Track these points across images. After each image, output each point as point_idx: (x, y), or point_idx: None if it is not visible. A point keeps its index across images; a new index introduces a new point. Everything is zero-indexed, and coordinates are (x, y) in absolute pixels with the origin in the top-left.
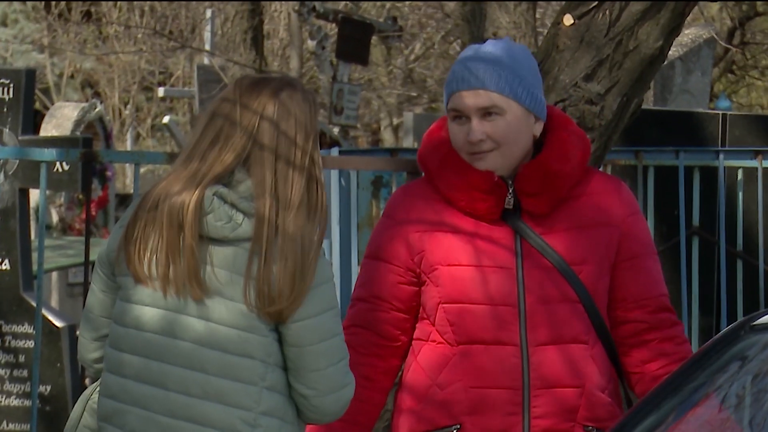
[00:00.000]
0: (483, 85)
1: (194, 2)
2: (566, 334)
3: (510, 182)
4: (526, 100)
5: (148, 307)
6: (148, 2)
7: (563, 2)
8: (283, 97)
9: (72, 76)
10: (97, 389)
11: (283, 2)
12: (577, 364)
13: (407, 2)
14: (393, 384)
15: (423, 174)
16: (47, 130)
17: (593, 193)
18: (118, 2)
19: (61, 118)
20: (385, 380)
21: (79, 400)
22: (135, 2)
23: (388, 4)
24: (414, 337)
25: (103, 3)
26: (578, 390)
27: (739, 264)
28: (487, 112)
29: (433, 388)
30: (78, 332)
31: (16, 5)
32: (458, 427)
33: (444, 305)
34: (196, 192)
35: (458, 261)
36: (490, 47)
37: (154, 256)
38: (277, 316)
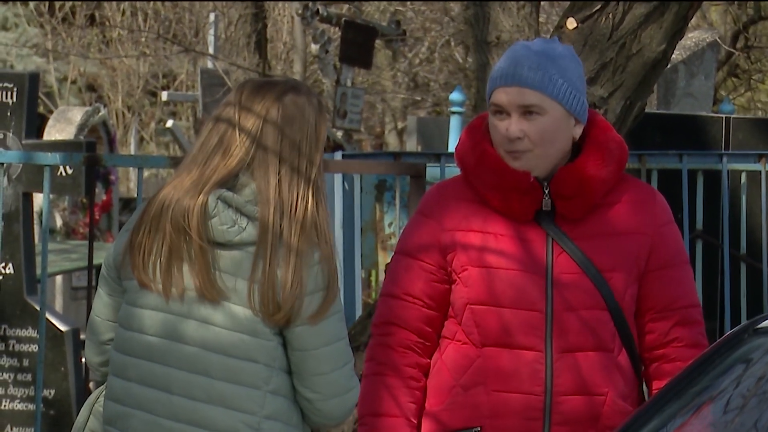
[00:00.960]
0: (526, 83)
1: (198, 6)
2: (592, 342)
3: (546, 184)
4: (569, 101)
5: (153, 311)
6: (151, 6)
7: (566, 6)
8: (287, 100)
9: (74, 82)
10: (103, 393)
11: (286, 6)
12: (601, 372)
13: (411, 6)
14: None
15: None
16: (51, 134)
17: (627, 201)
18: (122, 6)
19: (65, 122)
20: (422, 378)
21: (85, 404)
22: (139, 6)
23: (391, 8)
24: (441, 334)
25: (107, 7)
26: (601, 398)
27: (743, 267)
28: (527, 111)
29: (457, 389)
30: (82, 336)
31: (19, 9)
32: (479, 429)
33: (472, 306)
34: (201, 196)
35: (488, 262)
36: (538, 46)
37: (159, 261)
38: (283, 322)
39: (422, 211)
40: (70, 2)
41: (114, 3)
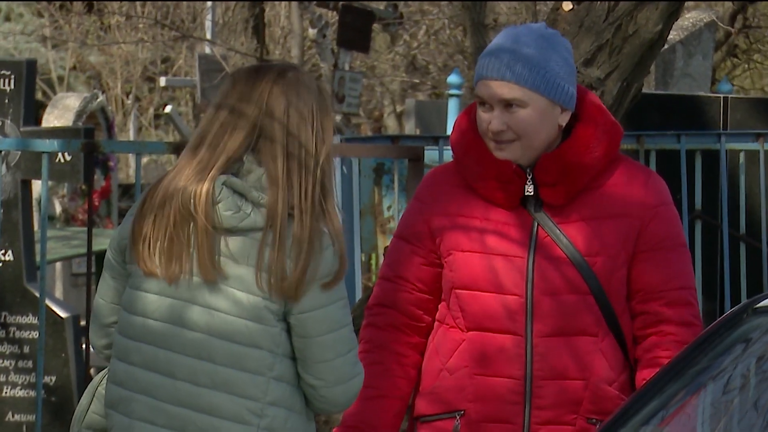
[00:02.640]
0: (505, 76)
1: None
2: (573, 326)
3: (528, 171)
4: (550, 92)
5: (157, 296)
6: None
7: None
8: (289, 77)
9: (74, 68)
10: (106, 377)
11: None
12: (583, 356)
13: None
14: (420, 361)
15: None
16: (49, 120)
17: (616, 184)
18: None
19: (63, 109)
20: (414, 355)
21: (87, 388)
22: None
23: None
24: (435, 318)
25: None
26: (583, 382)
27: (742, 247)
28: (508, 104)
29: (444, 372)
30: (82, 322)
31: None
32: (462, 413)
33: (456, 290)
34: (206, 182)
35: (471, 247)
36: (521, 35)
37: (163, 246)
38: (289, 296)
39: (417, 196)
40: None
41: None
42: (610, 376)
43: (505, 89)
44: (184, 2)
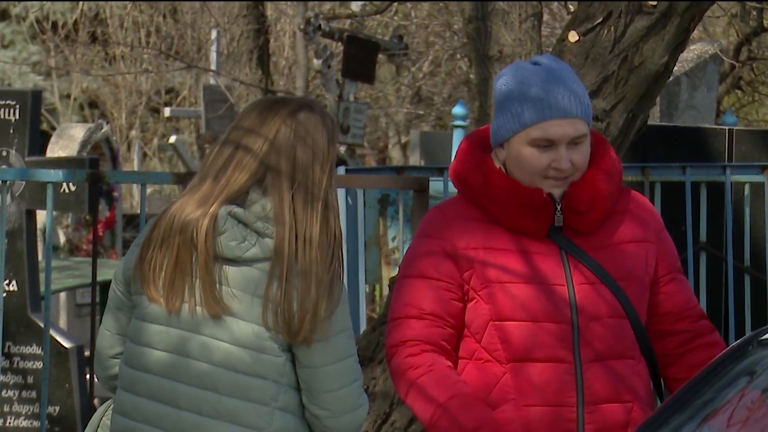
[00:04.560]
0: (572, 113)
1: (200, 22)
2: (616, 350)
3: (557, 200)
4: (590, 122)
5: (162, 326)
6: (153, 23)
7: (568, 19)
8: (301, 118)
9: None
10: (111, 407)
11: (288, 21)
12: (626, 379)
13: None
14: None
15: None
16: (54, 151)
17: (628, 211)
18: (125, 23)
19: (68, 139)
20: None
21: (91, 420)
22: (141, 22)
23: (394, 23)
24: (459, 355)
25: (110, 24)
26: (629, 405)
27: (747, 279)
28: (575, 141)
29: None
30: (86, 352)
31: (22, 27)
32: None
33: (495, 322)
34: (210, 212)
35: (509, 278)
36: (556, 70)
37: (167, 276)
38: (301, 341)
39: (428, 233)
40: (73, 20)
41: (116, 20)
42: (647, 399)
43: (575, 127)
44: (189, 33)
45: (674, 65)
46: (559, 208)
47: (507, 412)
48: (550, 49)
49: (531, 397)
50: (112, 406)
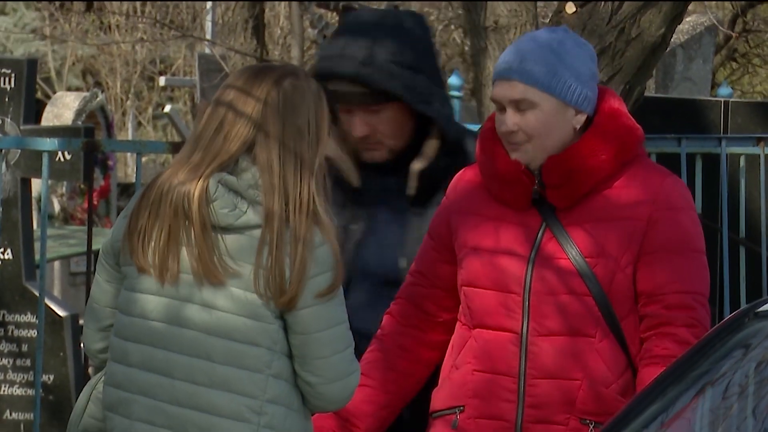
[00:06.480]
0: (516, 76)
1: None
2: (569, 327)
3: (537, 173)
4: (563, 93)
5: (153, 296)
6: None
7: None
8: (287, 85)
9: (73, 64)
10: (102, 378)
11: None
12: (578, 357)
13: None
14: (436, 359)
15: None
16: (48, 119)
17: (627, 186)
18: None
19: (63, 108)
20: (423, 352)
21: (83, 390)
22: None
23: None
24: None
25: None
26: (577, 383)
27: (742, 251)
28: (519, 105)
29: (453, 368)
30: (81, 321)
31: None
32: (461, 409)
33: (464, 287)
34: (201, 180)
35: (477, 245)
36: (540, 38)
37: (158, 246)
38: (289, 304)
39: (446, 194)
40: None
41: None
42: (607, 378)
43: (514, 90)
44: (184, 2)
45: (671, 37)
46: (537, 181)
47: (463, 376)
48: (547, 21)
49: (481, 363)
50: (103, 378)
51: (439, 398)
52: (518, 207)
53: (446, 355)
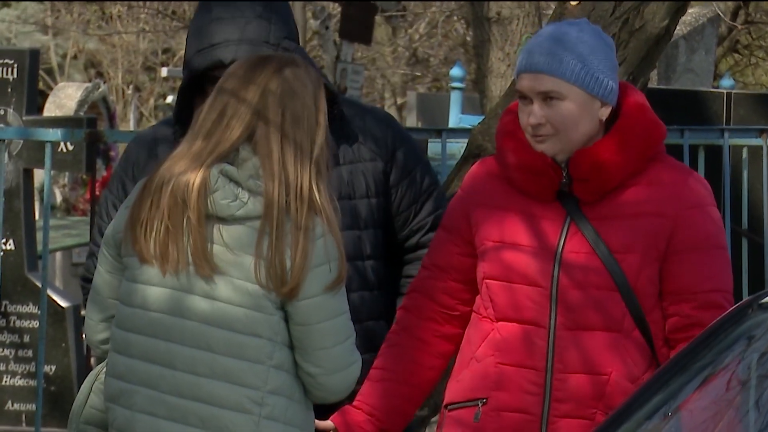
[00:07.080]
0: (544, 69)
1: None
2: (598, 321)
3: (564, 165)
4: (590, 85)
5: (155, 287)
6: None
7: None
8: (287, 73)
9: (75, 57)
10: (104, 370)
11: None
12: (605, 352)
13: None
14: (452, 351)
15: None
16: (51, 110)
17: (653, 183)
18: None
19: (65, 99)
20: (441, 344)
21: (85, 381)
22: None
23: None
24: (472, 308)
25: None
26: (603, 378)
27: (744, 242)
28: (547, 97)
29: (473, 361)
30: (83, 312)
31: None
32: (484, 401)
33: (487, 281)
34: (201, 170)
35: (502, 239)
36: (562, 29)
37: (160, 236)
38: (289, 295)
39: (462, 186)
40: None
41: None
42: (633, 373)
43: (542, 82)
44: None
45: (675, 28)
46: (565, 174)
47: (486, 368)
48: (550, 12)
49: (505, 356)
50: (104, 369)
51: (456, 390)
52: (543, 200)
53: (461, 347)
